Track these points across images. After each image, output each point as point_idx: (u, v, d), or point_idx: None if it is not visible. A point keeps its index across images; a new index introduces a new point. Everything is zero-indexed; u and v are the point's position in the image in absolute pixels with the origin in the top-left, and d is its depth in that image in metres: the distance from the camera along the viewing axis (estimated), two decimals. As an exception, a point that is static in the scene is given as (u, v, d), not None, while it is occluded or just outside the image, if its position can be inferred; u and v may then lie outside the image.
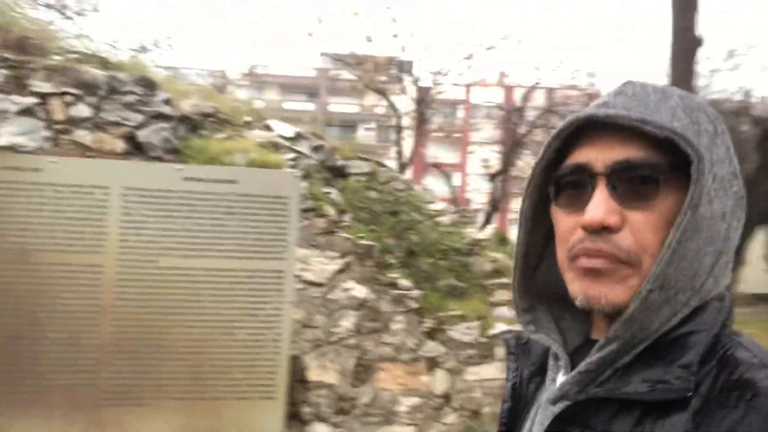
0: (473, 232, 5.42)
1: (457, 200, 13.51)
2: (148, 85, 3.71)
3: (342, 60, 13.67)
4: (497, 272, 5.08)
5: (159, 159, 3.62)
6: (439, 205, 5.66)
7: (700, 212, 0.64)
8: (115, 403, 2.64)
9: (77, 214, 2.65)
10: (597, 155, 0.69)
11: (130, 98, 3.64)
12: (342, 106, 29.64)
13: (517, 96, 14.75)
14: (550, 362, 0.81)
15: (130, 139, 3.62)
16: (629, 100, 0.70)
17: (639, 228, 0.67)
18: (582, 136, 0.71)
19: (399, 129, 13.78)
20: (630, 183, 0.67)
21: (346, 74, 15.27)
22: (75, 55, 3.77)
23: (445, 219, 5.37)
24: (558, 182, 0.74)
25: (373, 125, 29.01)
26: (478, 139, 20.82)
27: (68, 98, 3.53)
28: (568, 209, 0.72)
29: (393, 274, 4.14)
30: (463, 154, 29.48)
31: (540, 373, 0.84)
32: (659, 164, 0.66)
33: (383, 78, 13.82)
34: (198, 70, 14.73)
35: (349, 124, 30.82)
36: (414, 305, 3.93)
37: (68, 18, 11.65)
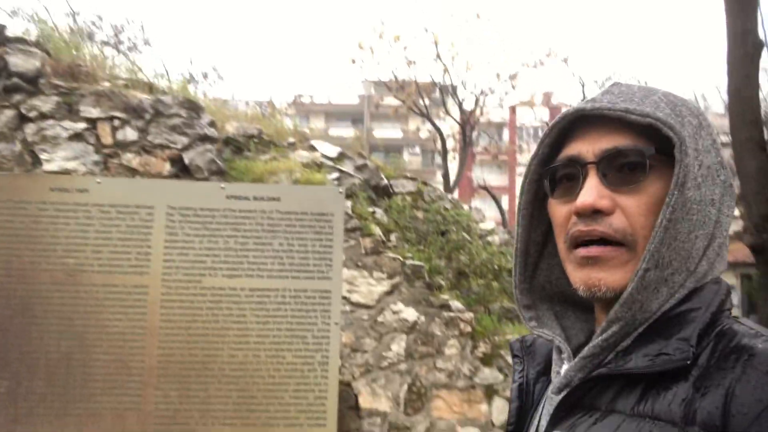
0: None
1: (506, 222, 13.23)
2: (193, 107, 3.73)
3: (384, 85, 13.73)
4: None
5: (205, 180, 3.60)
6: (489, 225, 5.49)
7: (688, 194, 0.68)
8: (163, 428, 2.56)
9: (122, 234, 2.63)
10: (587, 147, 0.74)
11: (175, 121, 3.65)
12: (386, 131, 29.84)
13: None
14: (554, 357, 0.84)
15: (177, 161, 3.63)
16: (615, 96, 0.74)
17: (630, 211, 0.71)
18: (573, 132, 0.77)
19: (444, 152, 13.66)
20: (619, 169, 0.72)
21: (389, 99, 15.33)
22: (122, 82, 3.83)
23: (495, 239, 5.19)
24: (553, 176, 0.78)
25: (417, 149, 29.03)
26: (526, 160, 20.51)
27: (116, 122, 3.57)
28: (564, 199, 0.76)
29: (444, 296, 3.97)
30: (510, 176, 29.07)
31: (546, 373, 0.87)
32: (645, 149, 0.71)
33: (426, 102, 13.79)
34: (245, 100, 15.05)
35: (393, 149, 30.97)
36: (467, 329, 3.75)
37: (122, 53, 12.15)
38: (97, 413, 2.52)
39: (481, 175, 28.13)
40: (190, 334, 2.62)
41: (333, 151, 4.44)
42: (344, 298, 3.54)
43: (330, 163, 4.27)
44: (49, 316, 2.54)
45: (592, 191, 0.71)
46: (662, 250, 0.68)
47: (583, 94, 12.10)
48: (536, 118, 14.21)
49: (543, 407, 0.82)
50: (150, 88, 4.07)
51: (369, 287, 3.65)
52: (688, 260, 0.70)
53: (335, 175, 4.16)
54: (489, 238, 5.19)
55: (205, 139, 3.70)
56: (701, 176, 0.70)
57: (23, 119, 3.48)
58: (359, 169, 4.43)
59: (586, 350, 0.73)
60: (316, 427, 2.62)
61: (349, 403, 3.46)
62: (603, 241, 0.71)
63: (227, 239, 2.69)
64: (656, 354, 0.67)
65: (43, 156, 3.47)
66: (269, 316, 2.67)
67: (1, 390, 2.46)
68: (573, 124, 0.77)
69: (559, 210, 0.77)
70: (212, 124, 3.84)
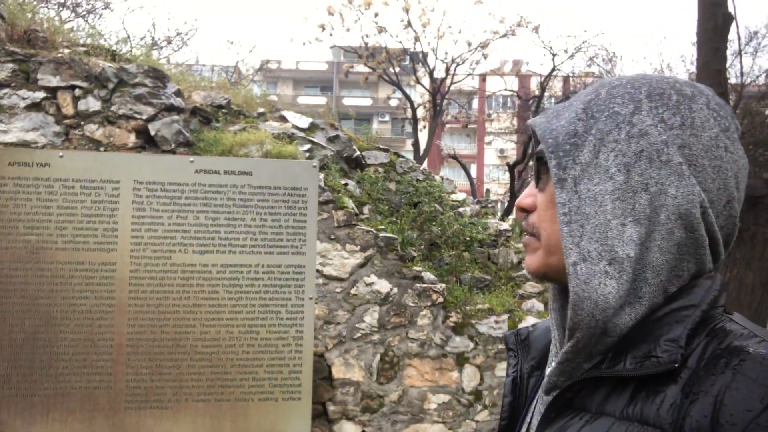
0: (496, 224, 5.25)
1: (475, 191, 13.29)
2: (158, 76, 3.59)
3: (354, 52, 13.50)
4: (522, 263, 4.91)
5: (172, 152, 3.50)
6: (460, 196, 5.50)
7: (587, 189, 0.71)
8: (136, 406, 2.53)
9: (87, 210, 2.54)
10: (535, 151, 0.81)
11: (140, 90, 3.52)
12: (356, 99, 29.48)
13: (534, 85, 14.48)
14: (551, 351, 0.84)
15: (142, 132, 3.51)
16: (566, 102, 0.81)
17: (539, 207, 0.79)
18: None
19: (414, 120, 13.58)
20: (536, 171, 0.80)
21: (359, 67, 15.10)
22: (83, 48, 3.66)
23: (466, 210, 5.21)
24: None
25: (387, 118, 28.78)
26: (495, 129, 20.52)
27: (77, 92, 3.43)
28: None
29: (416, 268, 3.99)
30: (479, 145, 29.12)
31: (540, 367, 0.88)
32: (539, 153, 0.78)
33: (397, 69, 13.62)
34: (212, 66, 14.64)
35: (363, 117, 30.68)
36: (439, 299, 3.78)
37: (81, 16, 11.64)
38: (66, 393, 2.47)
39: (451, 143, 28.17)
40: (160, 311, 2.58)
41: (304, 122, 4.36)
42: (317, 271, 3.52)
43: (301, 134, 4.19)
44: (12, 295, 2.46)
45: (525, 191, 0.82)
46: (582, 244, 0.70)
47: (553, 64, 12.14)
48: (506, 87, 14.17)
49: (536, 405, 0.82)
50: (113, 55, 3.90)
51: (342, 260, 3.63)
52: (617, 249, 0.69)
53: (307, 146, 4.09)
54: (461, 210, 5.21)
55: (171, 109, 3.58)
56: (617, 165, 0.70)
57: (-23, 88, 3.31)
58: (331, 140, 4.37)
59: (560, 355, 0.74)
60: (291, 401, 2.63)
61: (322, 374, 3.47)
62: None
63: (197, 214, 2.62)
64: (644, 356, 0.66)
65: (-1, 127, 3.31)
66: (242, 292, 2.64)
67: (-35, 371, 2.38)
68: None
69: None
70: (178, 93, 3.72)
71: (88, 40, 3.92)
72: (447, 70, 13.35)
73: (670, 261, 0.70)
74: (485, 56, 13.42)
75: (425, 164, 16.64)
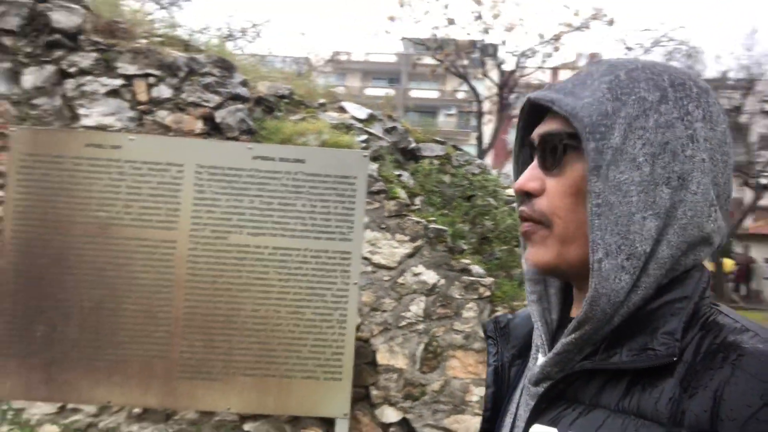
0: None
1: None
2: (226, 67, 3.78)
3: (423, 44, 13.50)
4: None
5: (235, 139, 3.68)
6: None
7: (621, 177, 0.67)
8: (188, 376, 2.72)
9: (153, 190, 2.73)
10: (538, 131, 0.75)
11: (208, 79, 3.71)
12: (423, 91, 29.45)
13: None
14: (534, 341, 0.82)
15: (208, 119, 3.70)
16: (572, 80, 0.75)
17: (552, 193, 0.72)
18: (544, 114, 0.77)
19: (480, 114, 13.45)
20: (548, 152, 0.73)
21: (427, 59, 15.09)
22: (159, 39, 3.90)
23: (523, 205, 5.17)
24: (521, 156, 0.81)
25: (454, 111, 28.60)
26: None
27: (151, 80, 3.66)
28: None
29: (465, 260, 4.01)
30: (547, 140, 28.36)
31: (521, 356, 0.86)
32: (559, 133, 0.72)
33: (465, 62, 13.53)
34: (283, 57, 15.03)
35: (429, 110, 30.58)
36: (486, 293, 3.79)
37: (163, 8, 12.23)
38: (126, 360, 2.68)
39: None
40: (215, 288, 2.74)
41: (363, 113, 4.45)
42: (366, 258, 3.62)
43: (359, 125, 4.29)
44: (83, 267, 2.68)
45: (526, 174, 0.74)
46: (606, 238, 0.67)
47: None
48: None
49: (520, 395, 0.80)
50: (186, 45, 4.12)
51: (391, 249, 3.71)
52: (637, 243, 0.68)
53: (363, 137, 4.18)
54: (515, 205, 5.17)
55: (236, 98, 3.76)
56: (644, 155, 0.67)
57: (64, 75, 3.60)
58: (388, 131, 4.44)
59: (559, 346, 0.72)
60: (332, 381, 2.74)
61: (367, 359, 3.57)
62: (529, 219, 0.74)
63: (253, 198, 2.77)
64: (641, 349, 0.66)
65: (81, 111, 3.59)
66: (291, 274, 2.77)
67: (38, 334, 2.63)
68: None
69: None
70: (245, 83, 3.89)
71: (165, 31, 4.16)
72: (516, 62, 13.13)
73: (675, 256, 0.69)
74: (557, 49, 13.11)
75: (490, 158, 16.44)
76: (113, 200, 2.72)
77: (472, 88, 13.49)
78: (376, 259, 3.70)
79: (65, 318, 2.66)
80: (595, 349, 0.70)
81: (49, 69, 3.55)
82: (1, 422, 3.38)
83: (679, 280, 0.70)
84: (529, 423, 0.73)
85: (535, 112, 0.78)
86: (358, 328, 3.54)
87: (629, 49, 11.46)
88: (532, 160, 0.77)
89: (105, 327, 2.69)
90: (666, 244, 0.69)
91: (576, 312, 0.76)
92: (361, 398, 3.60)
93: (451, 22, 12.50)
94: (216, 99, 3.71)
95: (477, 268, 4.01)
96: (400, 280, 3.70)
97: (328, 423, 3.23)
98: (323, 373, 2.74)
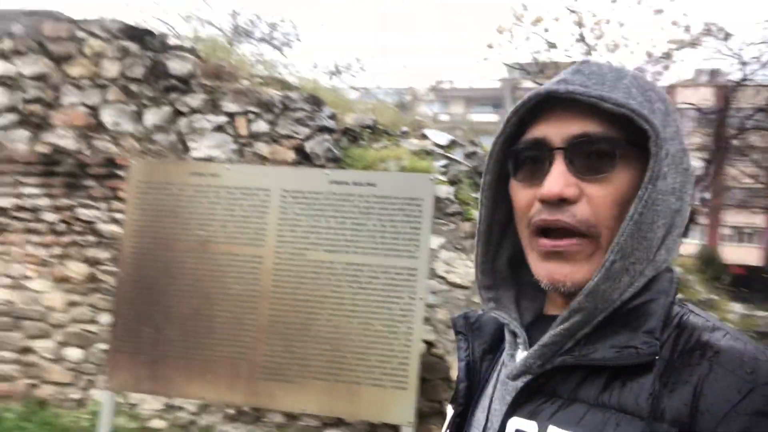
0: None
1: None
2: (315, 102, 4.16)
3: (523, 69, 13.49)
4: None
5: (322, 166, 4.02)
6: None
7: (658, 186, 0.67)
8: (268, 377, 3.02)
9: (244, 212, 3.11)
10: (555, 130, 0.71)
11: (299, 114, 4.11)
12: (530, 117, 29.01)
13: (723, 96, 13.18)
14: (508, 339, 0.82)
15: (299, 150, 4.09)
16: (586, 78, 0.72)
17: (596, 201, 0.69)
18: (540, 112, 0.73)
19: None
20: (587, 157, 0.70)
21: (528, 83, 15.02)
22: (259, 80, 4.38)
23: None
24: (517, 157, 0.75)
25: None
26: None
27: (250, 116, 4.12)
28: (527, 183, 0.74)
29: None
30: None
31: (491, 351, 0.85)
32: (616, 139, 0.69)
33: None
34: (387, 89, 15.65)
35: (537, 135, 29.95)
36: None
37: (277, 48, 13.28)
38: (217, 360, 3.04)
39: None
40: (295, 299, 3.05)
41: (444, 139, 4.66)
42: (441, 277, 3.78)
43: (440, 150, 4.50)
44: (184, 278, 3.10)
45: (559, 179, 0.69)
46: (629, 242, 0.68)
47: (743, 73, 10.93)
48: (697, 99, 13.04)
49: (494, 390, 0.80)
50: (282, 84, 4.58)
51: (466, 269, 3.85)
52: (649, 250, 0.70)
53: (443, 162, 4.39)
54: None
55: (324, 129, 4.12)
56: (667, 165, 0.68)
57: (178, 114, 4.16)
58: (468, 156, 4.61)
59: (547, 338, 0.72)
60: (397, 389, 2.92)
61: (441, 375, 3.71)
62: (566, 231, 0.70)
63: (329, 219, 3.06)
64: (623, 346, 0.67)
65: (192, 145, 4.12)
66: (361, 288, 3.01)
67: (145, 335, 3.07)
68: (541, 103, 0.73)
69: (522, 193, 0.75)
70: (332, 116, 4.26)
71: (264, 72, 4.65)
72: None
73: (668, 260, 0.73)
74: (667, 67, 12.54)
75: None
76: (211, 221, 3.13)
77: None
78: (452, 278, 3.85)
79: (168, 321, 3.08)
80: (574, 345, 0.71)
81: (166, 109, 4.12)
82: (119, 414, 3.89)
83: (655, 280, 0.72)
84: (507, 416, 0.73)
85: (528, 110, 0.74)
86: (432, 345, 3.70)
87: (744, 64, 10.74)
88: (520, 163, 0.75)
89: (200, 331, 3.07)
90: (665, 249, 0.72)
91: (553, 310, 0.78)
92: (436, 413, 3.73)
93: (551, 45, 12.42)
94: (306, 131, 4.09)
95: (555, 290, 4.03)
96: (475, 299, 3.82)
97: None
98: (389, 381, 2.94)
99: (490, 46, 12.66)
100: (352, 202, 3.06)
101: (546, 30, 12.58)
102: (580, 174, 0.70)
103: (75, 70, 4.24)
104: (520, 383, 0.74)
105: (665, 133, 0.69)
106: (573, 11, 12.21)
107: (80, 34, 4.23)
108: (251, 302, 3.07)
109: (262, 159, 4.11)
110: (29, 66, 4.28)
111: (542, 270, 0.73)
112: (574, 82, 0.71)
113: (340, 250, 3.04)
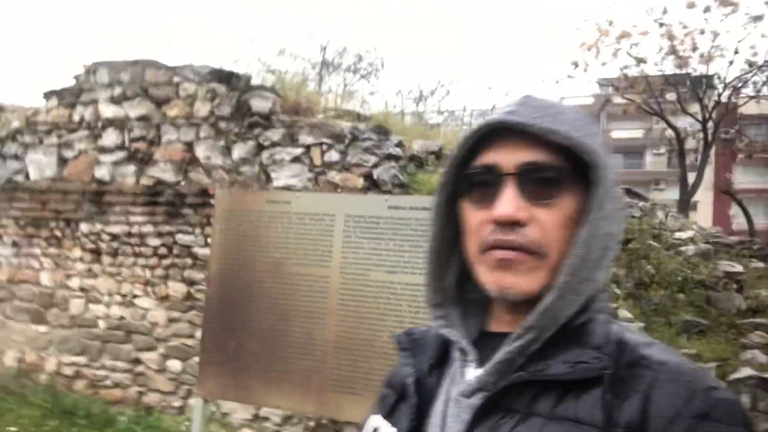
0: (729, 264, 4.85)
1: (753, 230, 11.58)
2: (382, 132, 4.45)
3: (611, 85, 13.17)
4: (755, 311, 4.46)
5: (389, 192, 4.28)
6: (686, 234, 5.21)
7: (601, 212, 0.75)
8: (337, 390, 3.27)
9: (313, 235, 3.41)
10: (505, 157, 0.77)
11: (368, 144, 4.41)
12: (625, 131, 27.99)
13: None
14: (456, 356, 0.84)
15: (368, 177, 4.38)
16: (533, 110, 0.77)
17: (545, 224, 0.76)
18: (490, 140, 0.79)
19: (680, 153, 12.57)
20: (536, 183, 0.76)
21: (618, 99, 14.61)
22: (332, 113, 4.73)
23: (689, 248, 4.93)
24: (470, 180, 0.80)
25: (663, 150, 26.57)
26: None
27: (324, 147, 4.47)
28: (479, 205, 0.79)
29: (613, 305, 4.04)
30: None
31: (437, 366, 0.87)
32: (562, 168, 0.76)
33: (660, 99, 12.84)
34: (471, 111, 15.78)
35: (634, 150, 28.80)
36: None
37: (363, 77, 13.86)
38: (292, 372, 3.33)
39: (745, 177, 24.62)
40: (358, 316, 3.29)
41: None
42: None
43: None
44: (262, 296, 3.44)
45: (510, 203, 0.75)
46: (579, 263, 0.74)
47: None
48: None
49: (447, 407, 0.81)
50: (357, 116, 4.92)
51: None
52: (590, 270, 0.76)
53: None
54: (683, 248, 4.96)
55: (390, 157, 4.39)
56: (609, 189, 0.76)
57: (260, 147, 4.59)
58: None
59: (501, 354, 0.76)
60: (454, 403, 3.07)
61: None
62: (517, 249, 0.76)
63: (388, 241, 3.29)
64: (576, 361, 0.72)
65: (273, 175, 4.52)
66: (420, 307, 3.19)
67: (230, 348, 3.43)
68: (491, 131, 0.79)
69: (473, 215, 0.80)
70: (399, 144, 4.52)
71: (337, 106, 5.01)
72: (718, 95, 12.09)
73: (604, 280, 0.79)
74: (771, 76, 11.79)
75: (698, 197, 14.96)
76: (284, 244, 3.46)
77: (670, 125, 12.69)
78: (515, 298, 3.94)
79: (249, 335, 3.42)
80: (527, 361, 0.75)
81: (250, 144, 4.57)
82: (211, 422, 4.29)
83: (593, 299, 0.78)
84: None
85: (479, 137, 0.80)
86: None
87: None
88: (473, 186, 0.80)
89: (277, 344, 3.38)
90: (604, 270, 0.78)
91: (498, 327, 0.83)
92: None
93: (640, 60, 12.06)
94: (374, 159, 4.38)
95: (625, 313, 4.01)
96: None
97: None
98: (447, 395, 3.09)
99: (574, 64, 12.50)
100: (410, 226, 3.27)
101: (635, 45, 12.25)
102: (530, 198, 0.76)
103: (173, 111, 4.81)
104: (475, 401, 0.76)
105: (605, 164, 0.76)
106: (662, 24, 11.81)
107: (176, 78, 4.80)
108: (320, 319, 3.34)
109: (335, 186, 4.44)
110: (135, 108, 4.90)
111: (491, 278, 0.78)
112: (523, 114, 0.77)
113: (399, 271, 3.25)
